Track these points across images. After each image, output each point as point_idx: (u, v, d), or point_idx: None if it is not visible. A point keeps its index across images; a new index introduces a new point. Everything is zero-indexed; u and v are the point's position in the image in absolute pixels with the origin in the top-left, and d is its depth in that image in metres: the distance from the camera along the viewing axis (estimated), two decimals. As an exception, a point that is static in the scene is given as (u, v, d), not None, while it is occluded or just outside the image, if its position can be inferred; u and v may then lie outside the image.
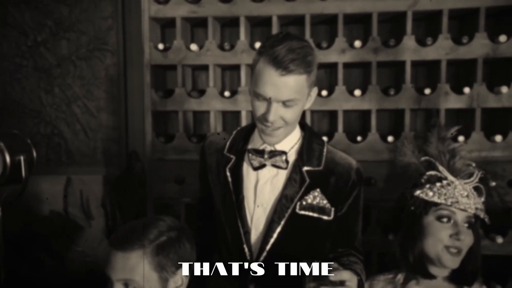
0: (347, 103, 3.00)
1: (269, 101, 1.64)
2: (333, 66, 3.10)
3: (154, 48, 3.13)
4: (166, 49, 3.15)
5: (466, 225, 1.81)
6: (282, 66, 1.58)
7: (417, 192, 1.89)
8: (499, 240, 2.77)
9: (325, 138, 2.94)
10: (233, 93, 3.13)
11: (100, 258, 3.04)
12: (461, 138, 2.85)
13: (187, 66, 3.25)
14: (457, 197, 1.82)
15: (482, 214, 1.82)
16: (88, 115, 3.66)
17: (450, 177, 1.87)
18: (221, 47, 3.11)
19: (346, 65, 3.08)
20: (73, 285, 2.96)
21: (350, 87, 3.07)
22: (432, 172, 1.91)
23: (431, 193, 1.86)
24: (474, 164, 1.95)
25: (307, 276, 1.52)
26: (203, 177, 2.04)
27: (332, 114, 3.25)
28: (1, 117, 3.66)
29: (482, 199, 1.87)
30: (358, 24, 3.28)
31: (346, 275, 1.52)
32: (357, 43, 2.95)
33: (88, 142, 3.66)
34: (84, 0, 3.57)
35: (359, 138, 3.02)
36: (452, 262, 1.80)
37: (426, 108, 2.97)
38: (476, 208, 1.82)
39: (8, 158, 2.63)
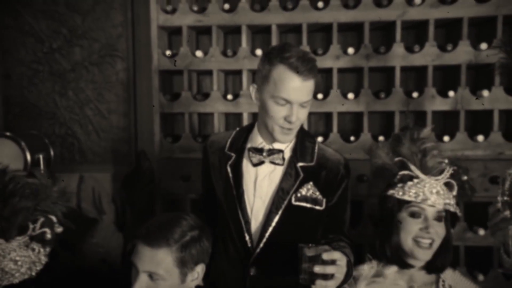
0: (341, 105, 3.09)
1: (291, 104, 1.79)
2: (328, 71, 3.18)
3: (162, 54, 3.21)
4: (173, 56, 3.22)
5: (435, 220, 1.89)
6: (303, 73, 1.75)
7: (390, 192, 1.97)
8: (481, 232, 2.88)
9: (320, 138, 3.06)
10: (235, 96, 3.20)
11: (112, 248, 3.13)
12: (446, 138, 2.97)
13: (193, 71, 3.32)
14: (427, 194, 1.88)
15: (452, 208, 1.89)
16: (99, 117, 3.69)
17: (421, 175, 1.93)
18: (224, 54, 3.19)
19: (340, 70, 3.15)
20: (85, 274, 3.04)
21: (344, 90, 3.16)
22: (405, 172, 1.97)
23: (401, 192, 1.93)
24: (446, 161, 2.00)
25: (303, 257, 1.65)
26: (205, 174, 2.16)
27: (328, 116, 3.33)
28: (19, 118, 3.70)
29: (454, 193, 1.93)
30: (351, 32, 3.35)
31: (337, 255, 1.64)
32: (350, 50, 3.04)
33: (99, 142, 3.69)
34: (96, 9, 3.60)
35: (352, 138, 3.11)
36: (424, 255, 1.88)
37: (414, 110, 3.03)
38: (446, 203, 1.89)
39: (28, 156, 2.80)
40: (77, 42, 3.66)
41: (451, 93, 2.96)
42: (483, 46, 2.83)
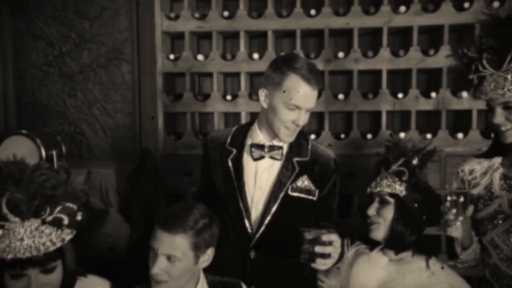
0: (332, 105, 3.23)
1: (300, 109, 1.97)
2: (320, 74, 3.26)
3: (166, 58, 3.34)
4: (176, 59, 3.34)
5: (378, 203, 2.03)
6: (314, 84, 1.94)
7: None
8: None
9: (313, 136, 3.21)
10: (234, 97, 3.33)
11: (119, 238, 3.23)
12: (428, 136, 3.13)
13: (194, 73, 3.44)
14: (379, 182, 2.05)
15: (400, 193, 1.97)
16: (106, 116, 3.75)
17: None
18: (223, 57, 3.31)
19: (331, 73, 3.28)
20: (94, 262, 3.15)
21: (335, 92, 3.29)
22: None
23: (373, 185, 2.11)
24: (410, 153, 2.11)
25: (304, 239, 1.82)
26: (205, 167, 2.29)
27: (320, 115, 3.46)
28: (31, 117, 3.77)
29: (404, 178, 2.01)
30: (342, 37, 3.48)
31: (334, 237, 1.81)
32: (341, 54, 3.19)
33: (106, 140, 3.77)
34: (104, 15, 3.67)
35: (342, 136, 3.25)
36: (375, 234, 2.03)
37: (400, 110, 3.20)
38: (390, 187, 2.00)
39: (43, 152, 2.91)
40: (85, 46, 3.72)
41: (433, 94, 3.12)
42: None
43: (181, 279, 1.74)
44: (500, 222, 1.93)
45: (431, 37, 3.40)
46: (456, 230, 1.82)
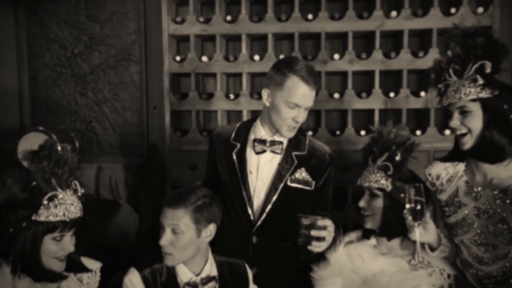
0: (328, 104, 3.36)
1: (299, 107, 2.13)
2: (317, 75, 3.36)
3: (172, 59, 3.45)
4: (181, 60, 3.45)
5: (370, 196, 2.12)
6: (313, 85, 2.10)
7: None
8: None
9: (310, 133, 3.33)
10: (236, 96, 3.44)
11: (129, 227, 3.38)
12: (418, 132, 3.26)
13: (199, 74, 3.55)
14: (366, 175, 2.13)
15: (387, 188, 2.05)
16: (115, 114, 3.90)
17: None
18: (226, 59, 3.44)
19: (328, 73, 3.40)
20: (103, 250, 3.25)
21: (331, 91, 3.42)
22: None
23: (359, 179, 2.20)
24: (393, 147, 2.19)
25: (301, 224, 1.97)
26: (211, 160, 2.44)
27: (317, 113, 3.55)
28: (45, 115, 3.93)
29: (389, 172, 2.08)
30: (337, 40, 3.60)
31: (328, 222, 1.96)
32: (336, 56, 3.32)
33: (115, 136, 3.92)
34: (113, 19, 3.82)
35: (337, 132, 3.39)
36: (369, 224, 2.14)
37: (391, 108, 3.32)
38: (377, 182, 2.08)
39: (59, 148, 3.03)
40: (96, 48, 3.87)
41: (422, 94, 3.26)
42: (449, 53, 3.09)
43: (185, 251, 1.92)
44: (469, 229, 1.99)
45: (421, 40, 3.52)
46: (415, 234, 1.89)
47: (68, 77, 3.93)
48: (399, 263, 2.05)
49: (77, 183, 1.89)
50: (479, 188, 1.97)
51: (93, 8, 3.84)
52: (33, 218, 1.77)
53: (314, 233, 1.94)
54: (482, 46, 1.89)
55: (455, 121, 1.92)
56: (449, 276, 2.07)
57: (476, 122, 1.89)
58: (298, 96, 2.10)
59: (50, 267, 1.84)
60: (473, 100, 1.87)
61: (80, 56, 3.89)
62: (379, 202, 2.09)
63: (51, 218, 1.78)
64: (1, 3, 3.87)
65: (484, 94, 1.85)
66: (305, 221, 1.97)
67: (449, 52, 2.04)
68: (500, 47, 1.90)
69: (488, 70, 1.86)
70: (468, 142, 1.92)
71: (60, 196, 1.80)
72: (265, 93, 2.20)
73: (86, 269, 1.99)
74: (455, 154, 2.08)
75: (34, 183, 1.80)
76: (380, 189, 2.08)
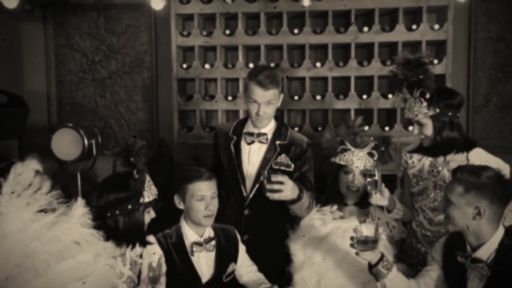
0: (312, 104, 3.74)
1: (259, 104, 2.50)
2: (302, 79, 3.78)
3: (180, 67, 3.81)
4: (187, 67, 3.80)
5: (360, 175, 2.49)
6: (264, 87, 2.47)
7: (333, 159, 2.63)
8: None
9: (296, 129, 3.70)
10: (234, 97, 3.80)
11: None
12: (387, 128, 3.66)
13: (202, 79, 3.89)
14: (353, 160, 2.53)
15: (372, 170, 2.36)
16: (130, 113, 4.22)
17: (351, 148, 2.56)
18: (225, 66, 3.79)
19: (311, 79, 3.77)
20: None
21: (314, 94, 3.78)
22: (342, 146, 2.60)
23: (338, 159, 2.58)
24: (372, 138, 2.63)
25: (264, 180, 2.32)
26: (215, 151, 2.81)
27: (303, 112, 3.91)
28: (69, 114, 4.26)
29: (375, 158, 2.53)
30: (320, 50, 3.97)
31: (281, 178, 2.27)
32: (318, 64, 3.71)
33: (130, 133, 4.23)
34: (128, 31, 4.15)
35: (319, 128, 3.77)
36: (351, 199, 2.55)
37: (365, 108, 3.70)
38: (365, 165, 2.49)
39: (86, 142, 3.30)
40: (113, 56, 4.20)
41: (390, 96, 3.67)
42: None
43: None
44: (427, 197, 2.42)
45: (389, 51, 3.89)
46: (374, 199, 2.32)
47: (89, 82, 4.23)
48: (352, 222, 2.40)
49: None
50: (440, 168, 2.40)
51: (111, 22, 4.16)
52: (140, 201, 2.07)
53: (268, 186, 2.29)
54: (419, 77, 2.28)
55: (415, 131, 2.38)
56: (394, 227, 2.52)
57: (429, 130, 2.33)
58: (254, 95, 2.47)
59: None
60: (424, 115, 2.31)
61: (99, 63, 4.20)
62: (363, 180, 2.43)
63: (151, 198, 2.12)
64: (32, 19, 4.19)
65: (430, 112, 2.27)
66: (265, 175, 2.33)
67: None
68: (431, 74, 2.31)
69: (427, 96, 2.27)
70: (426, 143, 2.39)
71: (148, 178, 2.15)
72: (244, 95, 2.60)
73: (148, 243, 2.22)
74: (421, 148, 2.50)
75: (137, 175, 2.10)
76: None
